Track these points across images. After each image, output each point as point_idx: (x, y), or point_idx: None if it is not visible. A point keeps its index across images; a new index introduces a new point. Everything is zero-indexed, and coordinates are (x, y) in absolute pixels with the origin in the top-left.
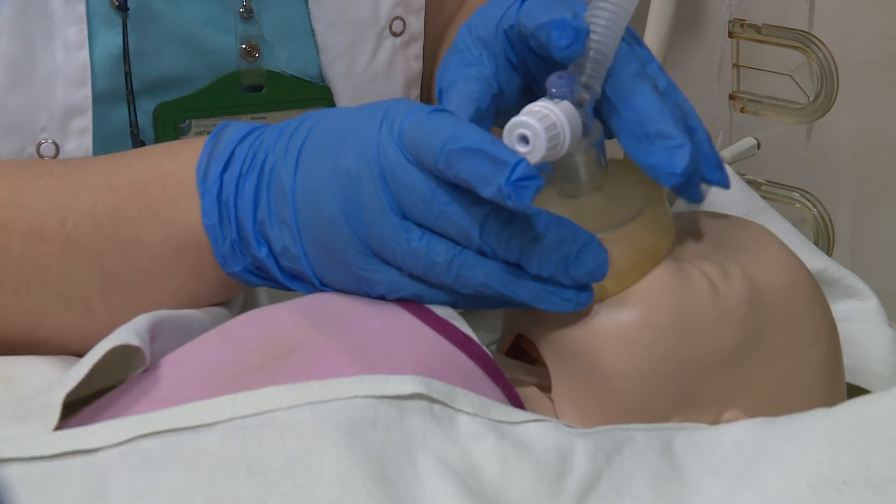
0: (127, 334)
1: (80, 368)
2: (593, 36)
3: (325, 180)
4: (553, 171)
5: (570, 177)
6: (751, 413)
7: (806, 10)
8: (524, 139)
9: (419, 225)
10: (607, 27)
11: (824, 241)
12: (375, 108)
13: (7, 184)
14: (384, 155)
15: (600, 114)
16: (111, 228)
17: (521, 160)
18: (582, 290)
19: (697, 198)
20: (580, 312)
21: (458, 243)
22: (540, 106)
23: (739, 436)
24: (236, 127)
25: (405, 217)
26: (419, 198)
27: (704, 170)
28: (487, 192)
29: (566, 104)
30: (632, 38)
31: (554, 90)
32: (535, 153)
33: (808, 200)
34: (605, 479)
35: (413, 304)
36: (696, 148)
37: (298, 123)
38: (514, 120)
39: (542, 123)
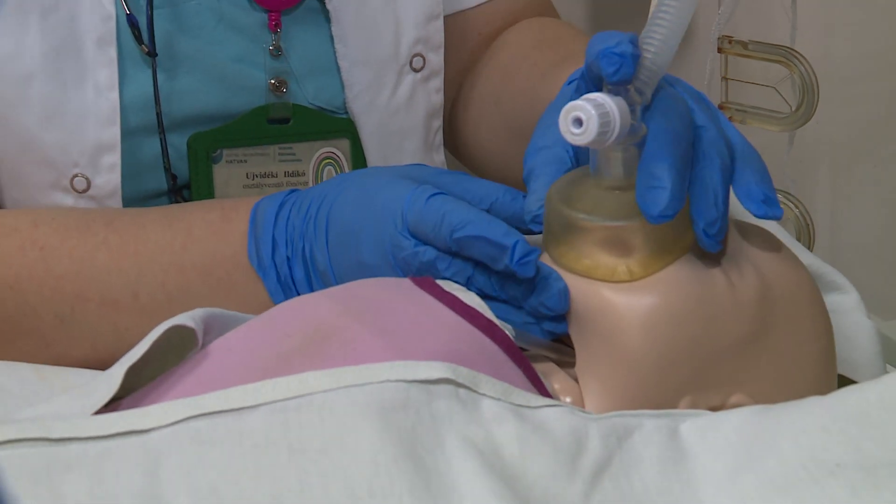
0: (184, 318)
1: (142, 346)
2: (649, 48)
3: (353, 269)
4: (597, 161)
5: (609, 169)
6: (755, 398)
7: (788, 27)
8: (578, 121)
9: None
10: (662, 41)
11: (805, 238)
12: (380, 200)
13: (68, 252)
14: (398, 248)
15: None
16: (185, 303)
17: (517, 241)
18: (558, 322)
19: (710, 247)
20: (608, 297)
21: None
22: (597, 95)
23: (740, 422)
24: (264, 210)
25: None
26: (429, 273)
27: (747, 205)
28: (498, 268)
29: (620, 100)
30: (692, 93)
31: (611, 85)
32: (585, 135)
33: (791, 201)
34: (616, 461)
35: (441, 291)
36: (711, 182)
37: (317, 209)
38: (571, 103)
39: (597, 110)
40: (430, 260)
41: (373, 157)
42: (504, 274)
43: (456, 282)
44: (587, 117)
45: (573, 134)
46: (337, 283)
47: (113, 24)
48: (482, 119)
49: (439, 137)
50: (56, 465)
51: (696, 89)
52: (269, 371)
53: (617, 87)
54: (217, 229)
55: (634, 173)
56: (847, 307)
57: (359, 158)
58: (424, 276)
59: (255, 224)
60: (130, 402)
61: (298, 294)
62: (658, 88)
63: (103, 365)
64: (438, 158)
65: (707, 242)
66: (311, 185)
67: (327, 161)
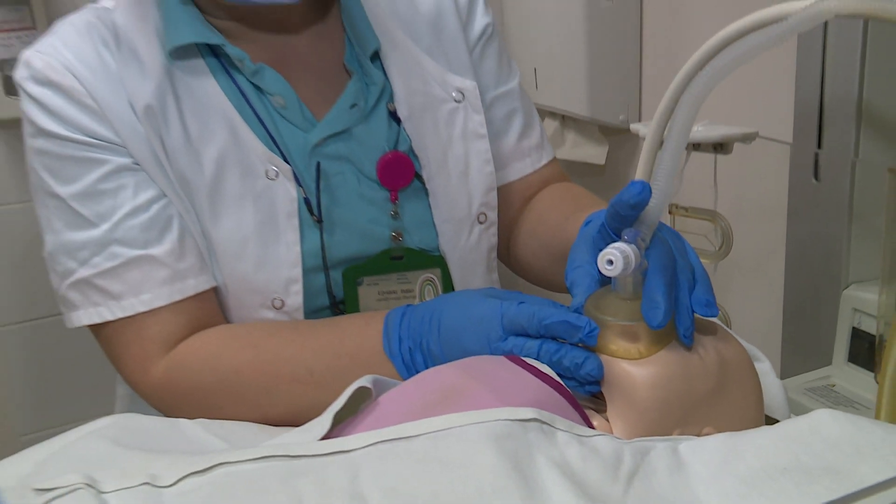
0: (363, 381)
1: (341, 400)
2: (649, 211)
3: (458, 354)
4: (617, 283)
5: (625, 288)
6: (719, 429)
7: (713, 197)
8: (610, 262)
9: None
10: (656, 203)
11: (727, 244)
12: (478, 310)
13: (271, 348)
14: (496, 339)
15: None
16: (343, 379)
17: (587, 321)
18: (595, 385)
19: (687, 342)
20: (626, 368)
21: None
22: (620, 244)
23: (717, 443)
24: (392, 318)
25: None
26: (515, 353)
27: (698, 309)
28: (574, 340)
29: (633, 247)
30: (672, 234)
31: (626, 238)
32: (614, 270)
33: (717, 217)
34: (641, 469)
35: (525, 363)
36: (684, 302)
37: (430, 315)
38: (605, 250)
39: (622, 255)
40: (516, 345)
41: (456, 278)
42: (569, 348)
43: (531, 357)
44: (615, 259)
45: (607, 269)
46: (446, 362)
47: (296, 204)
48: (527, 247)
49: (495, 262)
50: (294, 472)
51: (672, 229)
52: (421, 414)
53: (631, 237)
54: (362, 331)
55: (640, 290)
56: (764, 371)
57: (447, 280)
58: (514, 355)
59: (387, 326)
60: (336, 432)
61: (417, 372)
62: (653, 236)
63: (287, 420)
64: (494, 276)
65: (684, 341)
66: (417, 298)
67: (427, 282)
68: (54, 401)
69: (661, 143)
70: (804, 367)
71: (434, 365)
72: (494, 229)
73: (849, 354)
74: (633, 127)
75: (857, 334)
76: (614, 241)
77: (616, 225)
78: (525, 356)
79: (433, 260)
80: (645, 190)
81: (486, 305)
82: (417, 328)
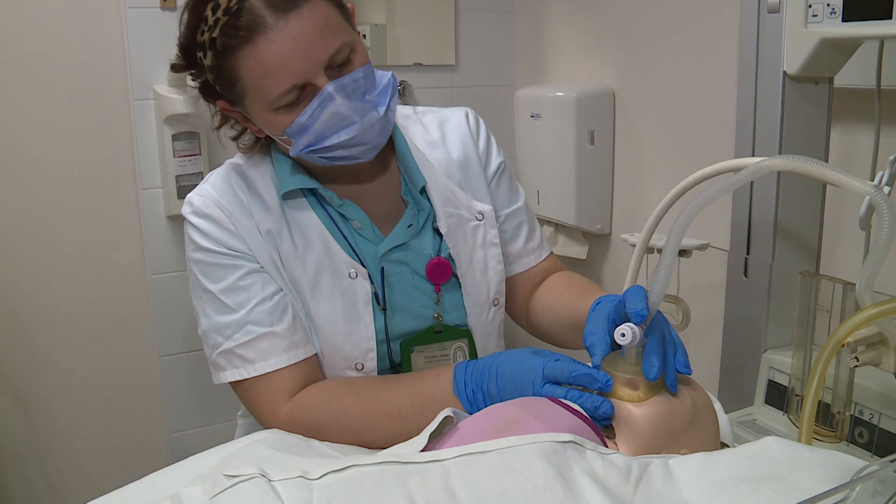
0: (447, 412)
1: (433, 423)
2: (651, 296)
3: (511, 393)
4: (625, 351)
5: (630, 353)
6: (692, 451)
7: (676, 286)
8: (623, 334)
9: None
10: (656, 296)
11: (686, 320)
12: (527, 363)
13: (368, 393)
14: (539, 385)
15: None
16: (424, 414)
17: (604, 375)
18: (608, 420)
19: (672, 390)
20: (630, 408)
21: None
22: (630, 324)
23: (697, 459)
24: (459, 368)
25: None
26: (554, 395)
27: (680, 369)
28: (595, 388)
29: (639, 327)
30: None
31: (635, 320)
32: (625, 340)
33: (679, 301)
34: (644, 476)
35: (562, 402)
36: (671, 364)
37: (489, 367)
38: (620, 327)
39: (632, 331)
40: (552, 390)
41: (478, 345)
42: (589, 394)
43: (564, 398)
44: (627, 334)
45: (620, 339)
46: (502, 401)
47: (370, 296)
48: (545, 318)
49: (502, 332)
50: (404, 473)
51: (663, 315)
52: (491, 436)
53: (637, 320)
54: (436, 379)
55: (641, 355)
56: (718, 409)
57: (472, 347)
58: (554, 397)
59: (455, 374)
60: (430, 446)
61: (478, 408)
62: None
63: (381, 447)
64: (502, 342)
65: (671, 389)
66: (451, 361)
67: (458, 349)
68: (193, 411)
69: (644, 252)
70: (735, 406)
71: (493, 402)
72: (503, 309)
73: (766, 398)
74: (623, 236)
75: (772, 385)
76: (625, 321)
77: (627, 310)
78: (559, 398)
79: (463, 332)
80: (643, 306)
81: (532, 361)
82: (479, 376)
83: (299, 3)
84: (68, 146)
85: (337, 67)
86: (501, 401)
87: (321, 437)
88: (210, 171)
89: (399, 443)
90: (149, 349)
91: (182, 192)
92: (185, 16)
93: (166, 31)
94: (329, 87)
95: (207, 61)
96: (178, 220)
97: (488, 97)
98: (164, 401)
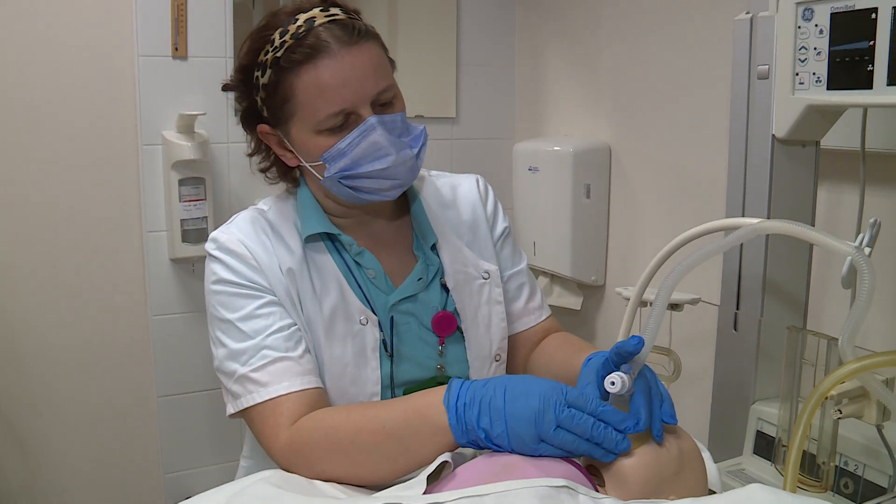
0: (444, 457)
1: (431, 466)
2: (639, 356)
3: (522, 409)
4: (613, 399)
5: (619, 403)
6: (680, 496)
7: (668, 338)
8: (612, 382)
9: (563, 429)
10: (642, 355)
11: (678, 371)
12: (543, 384)
13: (359, 413)
14: (560, 408)
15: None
16: (408, 428)
17: (626, 417)
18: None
19: (658, 439)
20: (619, 458)
21: (578, 436)
22: (619, 373)
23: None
24: (456, 382)
25: (559, 427)
26: (570, 423)
27: (666, 419)
28: (622, 428)
29: (628, 376)
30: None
31: (623, 370)
32: (614, 388)
33: (671, 353)
34: None
35: None
36: (657, 414)
37: (494, 383)
38: (610, 375)
39: (621, 380)
40: (569, 415)
41: None
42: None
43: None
44: (616, 382)
45: (610, 387)
46: (506, 418)
47: (378, 342)
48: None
49: None
50: None
51: (650, 367)
52: (489, 480)
53: (626, 370)
54: (426, 394)
55: (629, 404)
56: (706, 458)
57: None
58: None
59: (450, 388)
60: (430, 489)
61: (467, 422)
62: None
63: (370, 464)
64: None
65: (657, 438)
66: None
67: None
68: (187, 452)
69: (637, 306)
70: (725, 456)
71: (490, 418)
72: (504, 365)
73: (754, 448)
74: (617, 290)
75: (760, 435)
76: (614, 371)
77: (617, 360)
78: (577, 424)
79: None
80: (640, 342)
81: (549, 382)
82: (479, 391)
83: (360, 41)
84: (76, 187)
85: (381, 105)
86: (504, 417)
87: (314, 459)
88: (214, 215)
89: (384, 465)
90: (148, 389)
91: (186, 235)
92: (248, 42)
93: (177, 79)
94: (372, 119)
95: (265, 79)
96: (181, 264)
97: (487, 149)
98: (161, 441)
